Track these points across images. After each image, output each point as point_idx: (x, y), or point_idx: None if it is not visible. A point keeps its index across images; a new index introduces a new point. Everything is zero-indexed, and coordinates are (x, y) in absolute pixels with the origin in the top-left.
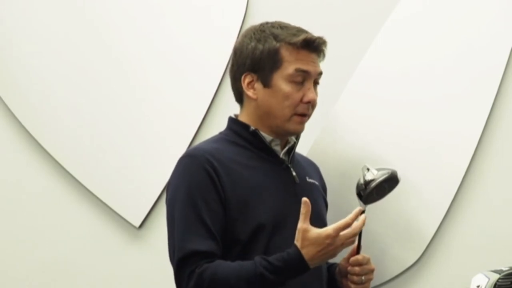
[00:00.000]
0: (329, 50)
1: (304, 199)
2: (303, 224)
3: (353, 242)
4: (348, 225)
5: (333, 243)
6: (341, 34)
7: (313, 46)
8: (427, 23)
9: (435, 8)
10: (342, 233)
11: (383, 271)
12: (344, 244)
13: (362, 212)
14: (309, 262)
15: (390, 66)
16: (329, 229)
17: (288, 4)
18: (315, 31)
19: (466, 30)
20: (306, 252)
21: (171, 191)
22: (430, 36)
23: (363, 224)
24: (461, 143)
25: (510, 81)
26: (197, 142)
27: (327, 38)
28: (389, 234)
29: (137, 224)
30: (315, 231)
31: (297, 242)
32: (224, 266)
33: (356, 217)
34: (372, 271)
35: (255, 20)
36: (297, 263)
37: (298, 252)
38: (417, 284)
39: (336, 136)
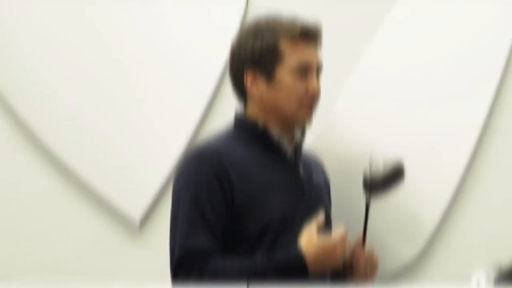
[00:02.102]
0: (329, 50)
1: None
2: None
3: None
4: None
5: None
6: (341, 34)
7: (311, 35)
8: (427, 23)
9: (435, 8)
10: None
11: (382, 270)
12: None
13: (367, 205)
14: (310, 267)
15: (390, 66)
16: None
17: (288, 4)
18: None
19: (466, 30)
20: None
21: (179, 188)
22: (430, 36)
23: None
24: (460, 143)
25: (510, 81)
26: (197, 141)
27: (326, 38)
28: (388, 233)
29: (137, 224)
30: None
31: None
32: (224, 262)
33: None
34: (376, 263)
35: None
36: (297, 265)
37: (300, 254)
38: (417, 283)
39: (335, 136)
